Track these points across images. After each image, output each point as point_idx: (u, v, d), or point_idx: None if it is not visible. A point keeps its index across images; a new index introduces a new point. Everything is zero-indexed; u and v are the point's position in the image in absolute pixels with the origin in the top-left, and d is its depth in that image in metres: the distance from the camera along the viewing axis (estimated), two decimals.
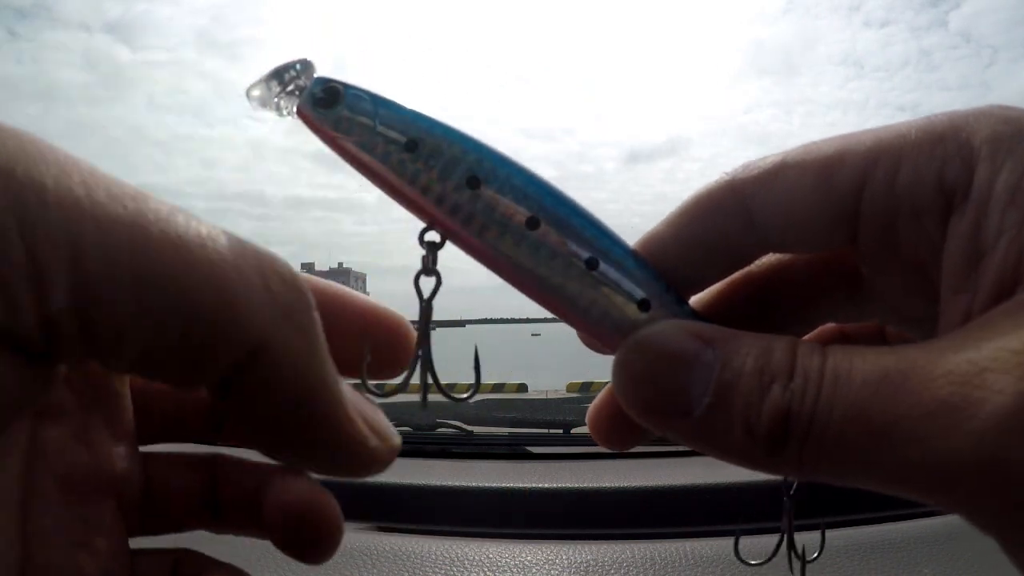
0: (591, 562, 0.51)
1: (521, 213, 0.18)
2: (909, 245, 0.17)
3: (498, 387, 4.41)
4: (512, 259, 0.19)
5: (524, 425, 0.90)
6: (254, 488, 0.20)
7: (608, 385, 0.20)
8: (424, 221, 0.19)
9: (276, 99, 0.19)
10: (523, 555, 0.52)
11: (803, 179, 0.18)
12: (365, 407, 0.17)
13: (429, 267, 0.19)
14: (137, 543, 0.20)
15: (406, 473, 0.69)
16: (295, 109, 0.19)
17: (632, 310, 0.19)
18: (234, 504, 0.21)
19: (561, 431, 0.85)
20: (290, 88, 0.19)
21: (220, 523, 0.21)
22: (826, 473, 0.15)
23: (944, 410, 0.13)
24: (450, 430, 0.89)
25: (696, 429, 0.17)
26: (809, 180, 0.18)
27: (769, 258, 0.21)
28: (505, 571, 0.50)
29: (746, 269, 0.21)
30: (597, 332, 0.19)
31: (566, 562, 0.51)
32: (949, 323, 0.17)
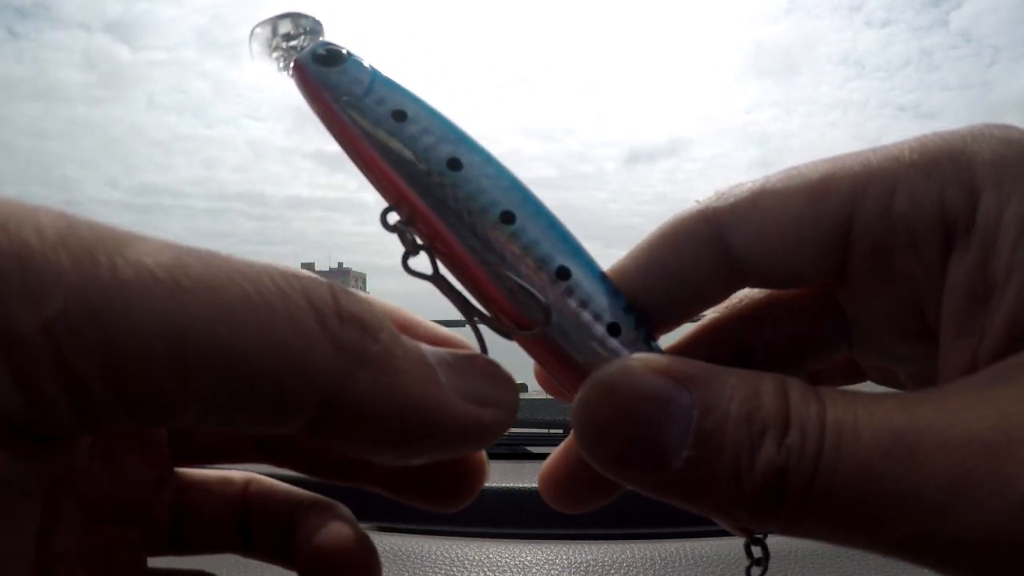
0: (591, 562, 0.51)
1: (499, 204, 0.17)
2: (904, 279, 0.16)
3: None
4: (482, 255, 0.17)
5: (524, 425, 0.90)
6: (286, 517, 0.20)
7: (565, 440, 0.19)
8: (390, 201, 0.18)
9: (275, 52, 0.18)
10: (523, 555, 0.52)
11: (787, 207, 0.16)
12: (471, 376, 0.16)
13: (415, 245, 0.18)
14: (160, 562, 0.19)
15: None
16: (292, 63, 0.18)
17: (600, 331, 0.17)
18: (265, 531, 0.20)
19: (561, 431, 0.85)
20: (293, 43, 0.18)
21: (250, 549, 0.21)
22: (823, 536, 0.14)
23: (972, 481, 0.12)
24: None
25: (674, 483, 0.14)
26: (793, 208, 0.16)
27: (742, 296, 0.19)
28: (505, 571, 0.50)
29: (718, 309, 0.19)
30: (563, 357, 0.18)
31: (566, 562, 0.51)
32: (952, 368, 0.15)
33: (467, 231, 0.17)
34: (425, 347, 0.15)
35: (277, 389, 0.13)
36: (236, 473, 0.21)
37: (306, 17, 0.18)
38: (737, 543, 0.54)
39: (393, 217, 0.18)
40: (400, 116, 0.18)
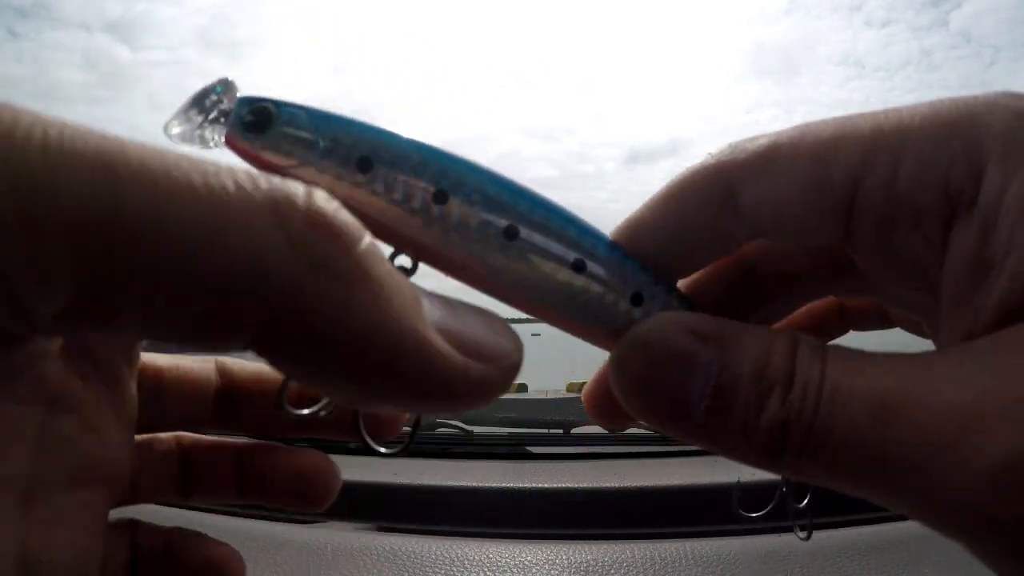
0: (591, 562, 0.51)
1: (498, 223, 0.17)
2: (908, 247, 0.16)
3: None
4: (494, 272, 0.17)
5: (524, 425, 0.90)
6: (230, 459, 0.22)
7: (602, 366, 0.20)
8: (390, 245, 0.17)
9: (199, 130, 0.16)
10: (523, 555, 0.52)
11: (795, 168, 0.16)
12: (464, 319, 0.14)
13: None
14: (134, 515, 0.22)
15: (406, 473, 0.69)
16: (223, 139, 0.16)
17: (625, 306, 0.18)
18: (206, 476, 0.23)
19: (561, 431, 0.85)
20: (213, 115, 0.16)
21: (191, 496, 0.24)
22: (824, 482, 0.15)
23: (943, 446, 0.13)
24: (450, 430, 0.89)
25: (695, 431, 0.16)
26: (802, 170, 0.16)
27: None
28: (505, 571, 0.50)
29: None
30: (593, 334, 0.19)
31: (566, 562, 0.51)
32: (949, 337, 0.16)
33: (471, 259, 0.17)
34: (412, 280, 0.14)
35: (219, 289, 0.11)
36: (164, 434, 0.23)
37: (211, 88, 0.16)
38: (737, 543, 0.54)
39: (402, 260, 0.17)
40: (365, 164, 0.16)
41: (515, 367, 0.14)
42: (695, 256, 0.19)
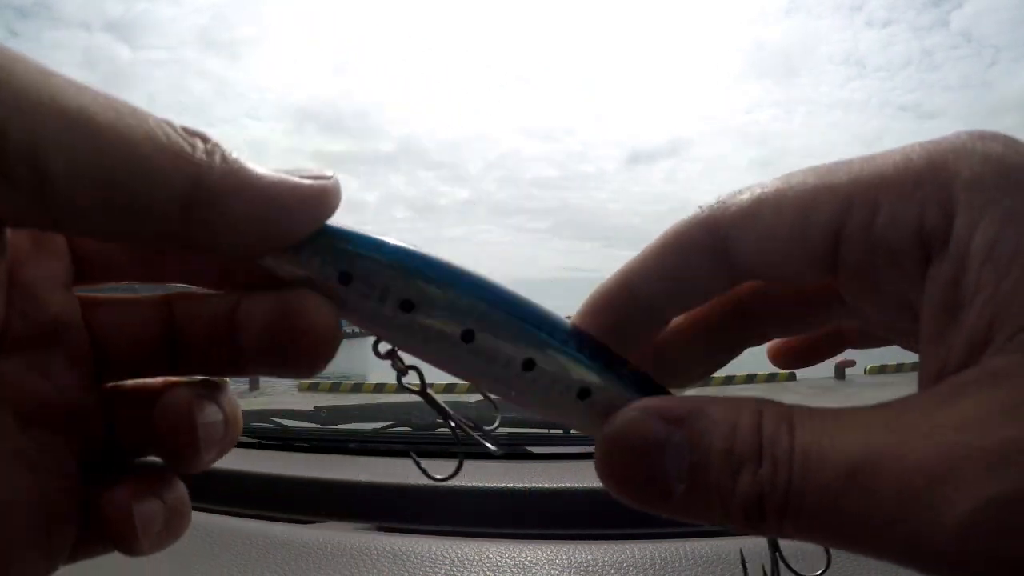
0: (591, 562, 0.51)
1: (456, 327, 0.19)
2: (889, 286, 0.17)
3: None
4: (454, 367, 0.20)
5: (524, 425, 0.90)
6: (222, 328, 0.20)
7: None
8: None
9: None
10: (523, 555, 0.52)
11: (780, 220, 0.17)
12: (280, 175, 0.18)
13: (403, 368, 0.21)
14: None
15: (406, 473, 0.69)
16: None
17: (570, 400, 0.20)
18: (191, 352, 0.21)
19: (561, 431, 0.85)
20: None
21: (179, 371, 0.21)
22: (807, 540, 0.16)
23: (916, 502, 0.14)
24: (450, 430, 0.89)
25: (679, 509, 0.17)
26: (786, 221, 0.17)
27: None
28: (505, 571, 0.50)
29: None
30: (551, 416, 0.21)
31: (566, 562, 0.51)
32: (927, 375, 0.16)
33: (432, 357, 0.20)
34: None
35: (139, 175, 0.15)
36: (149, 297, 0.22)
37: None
38: (738, 543, 0.54)
39: (383, 347, 0.20)
40: (345, 278, 0.19)
41: (335, 182, 0.18)
42: (690, 299, 0.20)
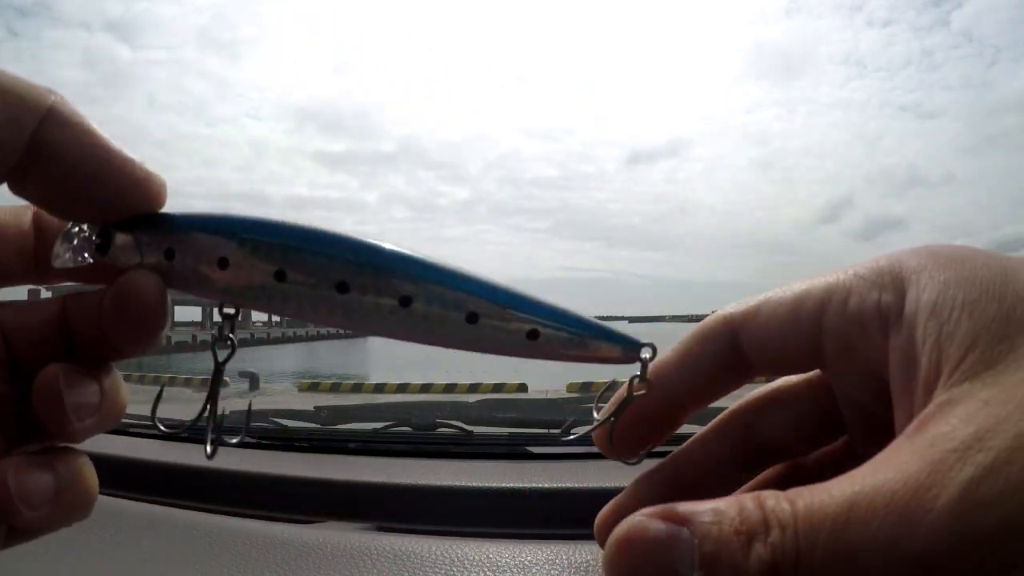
0: (591, 562, 0.51)
1: (270, 269, 0.22)
2: (863, 355, 0.21)
3: (498, 387, 4.41)
4: (288, 310, 0.22)
5: (524, 425, 0.90)
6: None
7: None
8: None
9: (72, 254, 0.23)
10: (523, 555, 0.52)
11: (778, 312, 0.23)
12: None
13: (225, 335, 0.23)
14: None
15: (406, 473, 0.69)
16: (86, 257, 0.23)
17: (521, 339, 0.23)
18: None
19: (561, 431, 0.85)
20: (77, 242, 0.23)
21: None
22: None
23: (909, 506, 0.16)
24: (450, 430, 0.89)
25: None
26: (782, 312, 0.22)
27: (750, 394, 0.26)
28: (505, 571, 0.50)
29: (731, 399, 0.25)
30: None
31: (566, 562, 0.51)
32: (900, 421, 0.19)
33: (268, 304, 0.23)
34: None
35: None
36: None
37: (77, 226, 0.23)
38: None
39: (228, 309, 0.23)
40: (224, 264, 0.22)
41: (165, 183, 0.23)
42: (709, 386, 0.24)
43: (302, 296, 0.22)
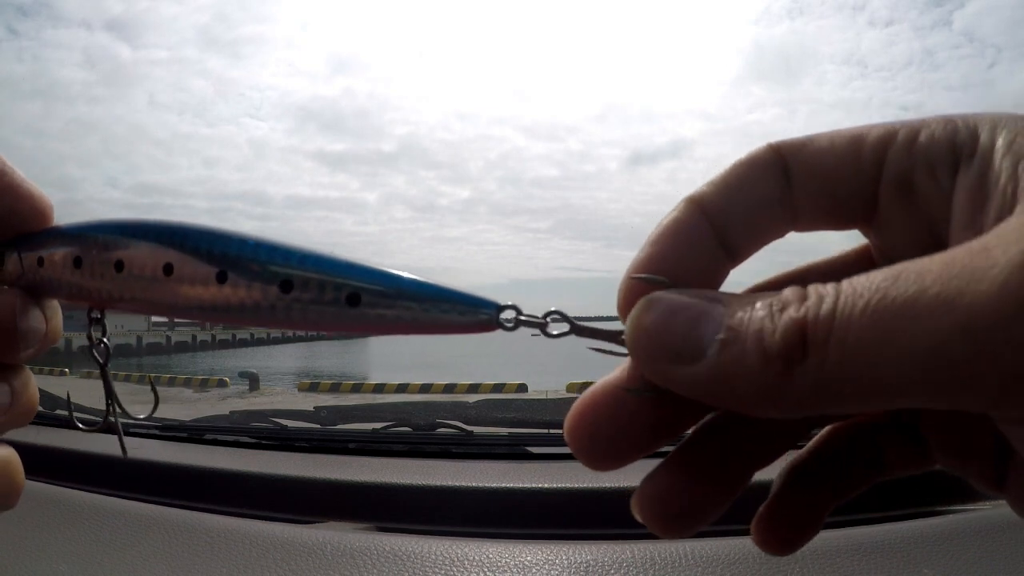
0: (591, 562, 0.51)
1: (111, 260, 0.24)
2: (923, 196, 0.19)
3: (498, 387, 4.41)
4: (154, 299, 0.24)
5: (524, 425, 0.90)
6: None
7: (592, 387, 0.21)
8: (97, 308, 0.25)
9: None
10: (523, 555, 0.52)
11: (835, 142, 0.20)
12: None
13: (98, 339, 0.25)
14: None
15: (406, 473, 0.69)
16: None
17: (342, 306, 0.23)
18: None
19: (561, 431, 0.85)
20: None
21: None
22: (843, 384, 0.15)
23: (965, 266, 0.14)
24: (450, 430, 0.89)
25: (708, 371, 0.17)
26: (840, 144, 0.20)
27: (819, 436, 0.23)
28: (505, 571, 0.50)
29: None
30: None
31: (566, 562, 0.51)
32: None
33: (137, 300, 0.24)
34: None
35: None
36: None
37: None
38: (737, 543, 0.53)
39: (95, 313, 0.25)
40: (78, 263, 0.24)
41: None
42: (755, 224, 0.21)
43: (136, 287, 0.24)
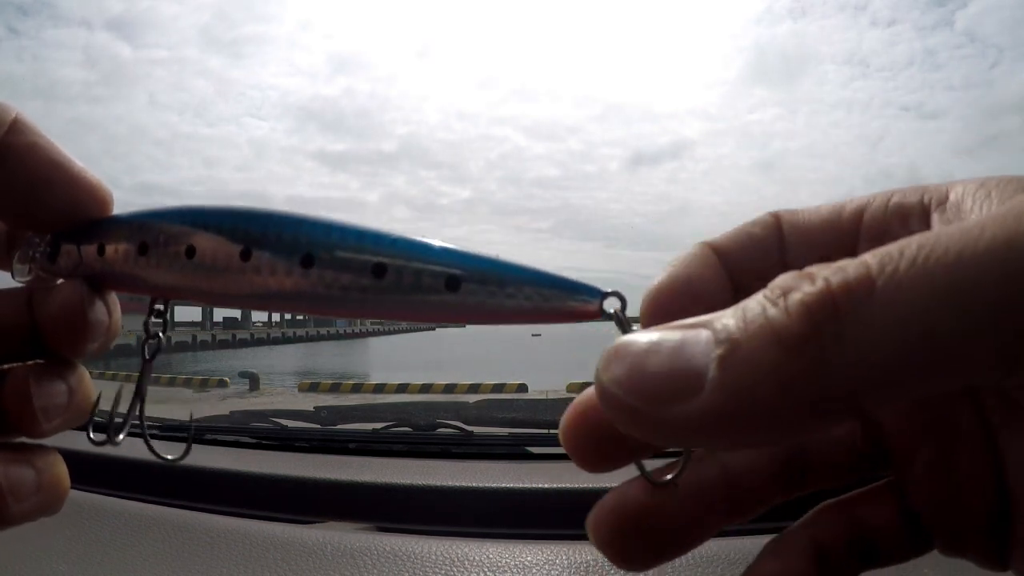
0: (591, 562, 0.51)
1: (183, 245, 0.23)
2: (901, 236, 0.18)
3: (498, 387, 4.41)
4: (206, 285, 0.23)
5: (524, 425, 0.90)
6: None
7: (589, 388, 0.19)
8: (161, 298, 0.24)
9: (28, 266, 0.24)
10: (523, 555, 0.52)
11: (820, 210, 0.24)
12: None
13: (154, 332, 0.24)
14: None
15: (406, 473, 0.69)
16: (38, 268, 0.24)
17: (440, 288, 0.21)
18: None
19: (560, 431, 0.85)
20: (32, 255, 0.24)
21: None
22: (865, 353, 0.13)
23: (1007, 215, 0.14)
24: (450, 430, 0.89)
25: (714, 396, 0.14)
26: (827, 209, 0.24)
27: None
28: (505, 571, 0.50)
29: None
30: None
31: (566, 562, 0.51)
32: None
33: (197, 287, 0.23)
34: None
35: None
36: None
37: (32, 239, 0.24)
38: (737, 543, 0.53)
39: (159, 304, 0.24)
40: (144, 249, 0.23)
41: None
42: (756, 270, 0.22)
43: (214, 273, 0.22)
